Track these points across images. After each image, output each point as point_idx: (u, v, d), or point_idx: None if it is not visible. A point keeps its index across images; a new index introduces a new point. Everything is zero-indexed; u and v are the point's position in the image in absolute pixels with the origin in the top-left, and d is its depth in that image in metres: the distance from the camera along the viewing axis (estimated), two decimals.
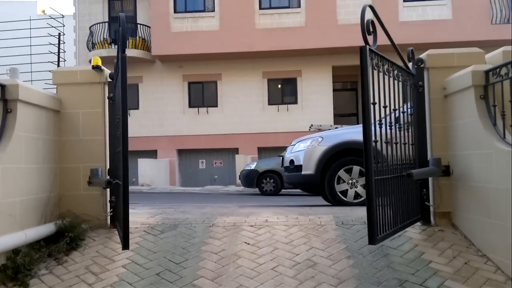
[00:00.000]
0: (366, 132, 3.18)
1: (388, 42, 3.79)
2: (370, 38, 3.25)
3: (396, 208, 3.61)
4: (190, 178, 18.09)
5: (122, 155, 3.35)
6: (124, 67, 3.42)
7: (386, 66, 3.52)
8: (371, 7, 3.37)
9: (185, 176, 18.19)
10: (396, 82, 3.75)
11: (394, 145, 3.65)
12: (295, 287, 3.34)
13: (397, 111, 3.74)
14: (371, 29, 3.26)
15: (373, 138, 3.25)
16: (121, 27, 3.33)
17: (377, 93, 3.42)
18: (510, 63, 3.27)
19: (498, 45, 4.33)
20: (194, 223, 4.58)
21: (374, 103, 3.26)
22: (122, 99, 3.40)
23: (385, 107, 3.59)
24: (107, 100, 4.54)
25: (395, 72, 3.74)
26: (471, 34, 15.35)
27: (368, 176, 3.15)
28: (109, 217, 4.45)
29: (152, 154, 17.90)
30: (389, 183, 3.48)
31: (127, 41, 3.60)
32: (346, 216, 4.66)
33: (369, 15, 3.18)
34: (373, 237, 3.14)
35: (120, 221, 3.73)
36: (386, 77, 3.56)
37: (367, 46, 3.18)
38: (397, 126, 3.74)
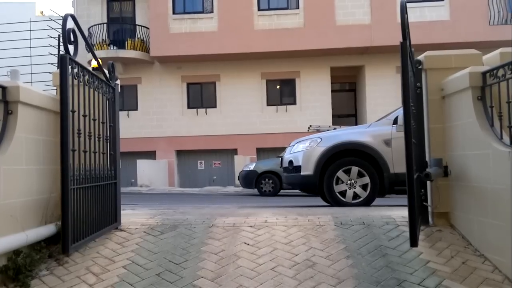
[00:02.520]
0: (407, 130, 3.07)
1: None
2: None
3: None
4: (189, 179, 18.12)
5: (61, 154, 3.41)
6: (63, 67, 3.40)
7: None
8: (406, 4, 3.29)
9: (184, 177, 18.21)
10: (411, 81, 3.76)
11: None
12: (295, 287, 3.37)
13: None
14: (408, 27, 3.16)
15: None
16: (63, 26, 3.39)
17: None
18: (507, 65, 3.30)
19: (496, 46, 4.37)
20: (193, 224, 4.60)
21: (411, 104, 3.18)
22: (61, 101, 3.41)
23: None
24: (106, 102, 4.56)
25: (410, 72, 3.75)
26: (469, 35, 15.40)
27: (409, 176, 3.06)
28: None
29: (150, 155, 17.92)
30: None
31: (71, 42, 3.62)
32: (345, 217, 4.68)
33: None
34: (415, 239, 3.11)
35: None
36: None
37: (407, 42, 3.13)
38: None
